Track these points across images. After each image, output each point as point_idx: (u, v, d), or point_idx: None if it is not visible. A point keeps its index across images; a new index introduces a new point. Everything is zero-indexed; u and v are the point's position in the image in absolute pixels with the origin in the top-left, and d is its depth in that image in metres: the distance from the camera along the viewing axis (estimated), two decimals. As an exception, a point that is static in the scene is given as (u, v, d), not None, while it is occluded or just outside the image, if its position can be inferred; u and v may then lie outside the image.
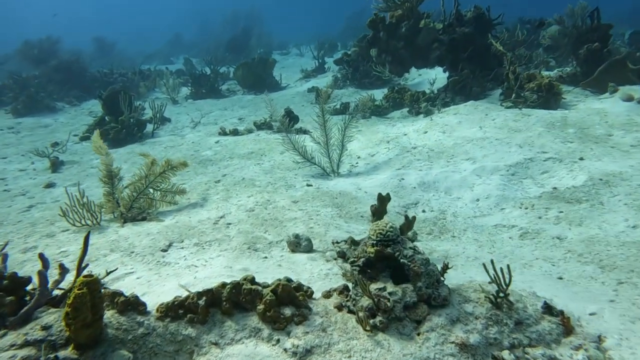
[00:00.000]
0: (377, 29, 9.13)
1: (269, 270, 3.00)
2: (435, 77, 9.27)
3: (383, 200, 3.16)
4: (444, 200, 4.59)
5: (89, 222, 4.21)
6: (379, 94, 11.10)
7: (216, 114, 10.49)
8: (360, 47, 12.84)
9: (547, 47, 11.94)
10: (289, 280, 2.43)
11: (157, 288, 2.74)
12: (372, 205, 3.21)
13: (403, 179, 5.02)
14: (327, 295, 2.55)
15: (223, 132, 8.36)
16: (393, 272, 2.33)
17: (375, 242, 2.31)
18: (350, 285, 2.45)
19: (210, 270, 2.93)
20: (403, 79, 12.12)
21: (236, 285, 2.30)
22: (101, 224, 4.27)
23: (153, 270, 3.05)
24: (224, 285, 2.32)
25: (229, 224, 3.94)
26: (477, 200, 4.46)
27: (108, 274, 2.64)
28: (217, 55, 16.15)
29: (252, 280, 2.36)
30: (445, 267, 2.39)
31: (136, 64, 20.56)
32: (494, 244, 3.64)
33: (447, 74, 9.32)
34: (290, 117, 8.26)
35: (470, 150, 5.70)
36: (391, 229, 2.32)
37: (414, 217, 3.38)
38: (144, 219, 4.24)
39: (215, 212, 4.32)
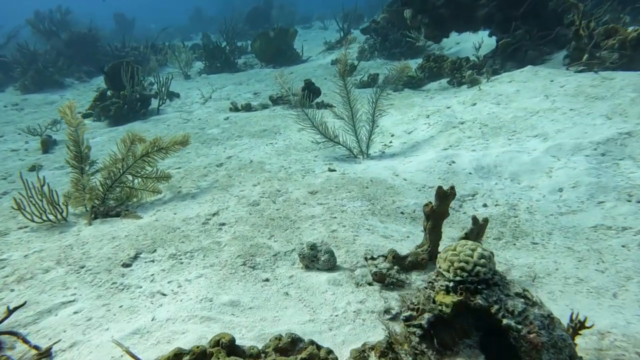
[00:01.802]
0: (413, -15, 7.79)
1: (270, 303, 1.98)
2: (482, 40, 7.90)
3: (445, 196, 2.05)
4: (512, 189, 3.43)
5: (51, 217, 3.30)
6: (412, 64, 9.80)
7: (230, 88, 9.46)
8: (390, 13, 11.46)
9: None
10: (295, 340, 1.39)
11: (95, 335, 1.78)
12: (426, 205, 2.12)
13: (453, 161, 3.86)
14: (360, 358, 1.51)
15: (234, 108, 7.34)
16: (485, 337, 1.25)
17: (453, 284, 1.24)
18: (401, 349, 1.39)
19: (178, 306, 1.95)
20: (438, 47, 10.74)
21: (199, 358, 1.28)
22: (68, 220, 3.36)
23: (102, 298, 2.10)
24: (178, 355, 1.30)
25: (223, 224, 2.92)
26: (560, 190, 3.28)
27: (10, 312, 1.69)
28: (235, 27, 15.05)
29: (231, 347, 1.34)
30: (579, 327, 1.29)
31: (154, 39, 19.72)
32: (601, 256, 2.50)
33: (493, 38, 7.93)
34: (310, 90, 7.15)
35: (538, 124, 4.46)
36: (482, 261, 1.24)
37: (486, 221, 2.27)
38: (117, 215, 3.28)
39: (209, 206, 3.31)
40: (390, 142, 4.99)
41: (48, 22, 12.60)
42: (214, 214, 3.11)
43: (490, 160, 3.82)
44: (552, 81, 5.58)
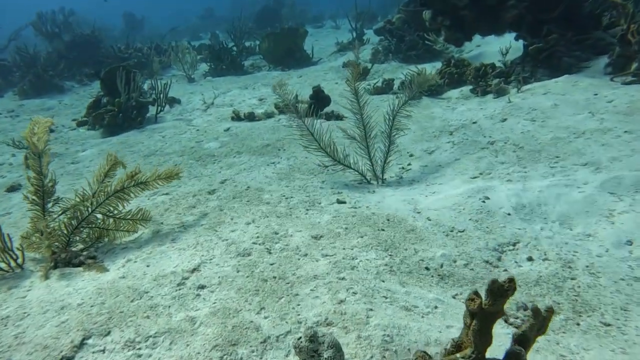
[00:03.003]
0: (433, -16, 7.11)
1: None
2: (510, 45, 7.19)
3: (502, 293, 1.41)
4: (563, 238, 2.77)
5: (2, 266, 2.74)
6: (429, 68, 9.13)
7: (234, 93, 8.89)
8: (407, 13, 10.77)
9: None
10: None
11: None
12: (471, 300, 1.48)
13: (487, 197, 3.21)
14: None
15: (237, 117, 6.76)
16: None
17: None
18: None
19: None
20: (458, 50, 10.03)
21: None
22: (24, 268, 2.80)
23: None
24: None
25: (202, 287, 2.33)
26: (629, 242, 2.62)
27: None
28: (243, 27, 14.47)
29: None
30: None
31: (162, 39, 19.28)
32: None
33: (520, 42, 7.22)
34: (319, 99, 6.54)
35: (586, 148, 3.78)
36: None
37: (551, 311, 1.63)
38: (81, 264, 2.71)
39: (190, 255, 2.72)
40: (409, 164, 4.35)
41: (51, 24, 12.18)
42: (193, 270, 2.52)
43: (532, 197, 3.16)
44: (596, 95, 4.88)
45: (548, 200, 3.10)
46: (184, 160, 5.06)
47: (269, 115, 6.81)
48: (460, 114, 5.56)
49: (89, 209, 2.88)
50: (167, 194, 3.98)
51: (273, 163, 4.64)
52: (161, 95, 7.21)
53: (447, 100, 6.61)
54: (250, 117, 6.67)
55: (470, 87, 6.80)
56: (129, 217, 2.99)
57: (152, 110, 7.44)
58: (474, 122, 5.04)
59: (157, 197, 3.84)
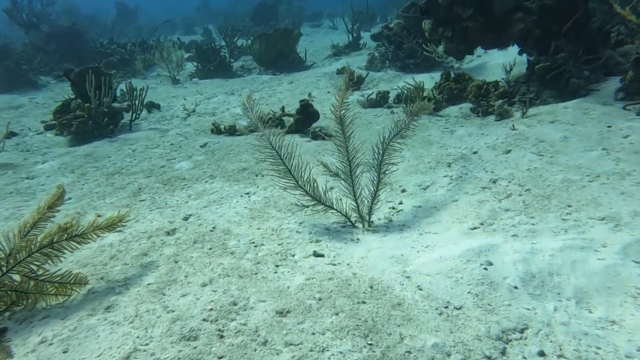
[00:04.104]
0: (435, -8, 6.58)
1: None
2: (514, 62, 6.69)
3: None
4: (581, 325, 2.28)
5: None
6: (427, 79, 8.62)
7: (219, 99, 8.33)
8: (406, 19, 10.25)
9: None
10: None
11: None
12: None
13: (490, 262, 2.71)
14: None
15: (216, 130, 6.21)
16: None
17: None
18: None
19: None
20: (458, 61, 9.54)
21: None
22: None
23: None
24: None
25: (123, 399, 1.81)
26: (663, 342, 2.12)
27: None
28: (236, 24, 13.85)
29: None
30: None
31: (154, 32, 18.60)
32: None
33: (524, 56, 6.73)
34: (307, 114, 6.01)
35: (602, 197, 3.29)
36: None
37: None
38: (-15, 343, 2.17)
39: (123, 335, 2.20)
40: (400, 202, 3.84)
41: (27, 13, 11.48)
42: (120, 364, 2.00)
43: (542, 264, 2.66)
44: (609, 127, 4.39)
45: (562, 270, 2.61)
46: (149, 183, 4.52)
47: (251, 130, 6.27)
48: (460, 139, 5.05)
49: (3, 269, 2.34)
50: (120, 230, 3.44)
51: (247, 194, 4.11)
52: (136, 102, 6.63)
53: (445, 120, 6.11)
54: (231, 130, 6.13)
55: (471, 105, 6.31)
56: (57, 279, 2.45)
57: (130, 115, 6.87)
58: (474, 152, 4.54)
59: (107, 237, 3.30)
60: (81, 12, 14.24)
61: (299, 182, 3.44)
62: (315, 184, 3.46)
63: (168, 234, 3.37)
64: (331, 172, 3.54)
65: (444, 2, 6.48)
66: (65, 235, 2.45)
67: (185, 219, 3.62)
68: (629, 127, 4.28)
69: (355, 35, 12.49)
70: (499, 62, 8.89)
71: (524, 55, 6.72)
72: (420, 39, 9.07)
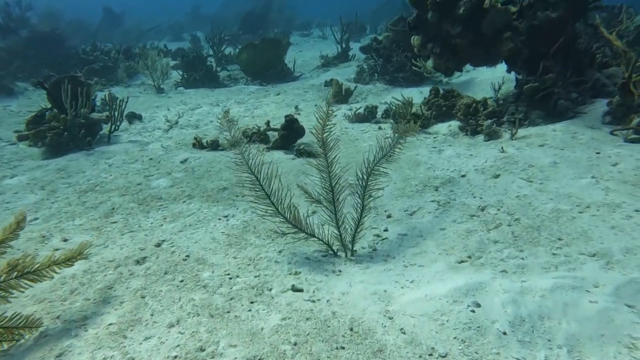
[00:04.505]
0: (424, 8, 6.51)
1: None
2: (502, 81, 6.64)
3: None
4: (573, 377, 2.13)
5: None
6: (416, 94, 8.56)
7: (203, 110, 8.12)
8: (395, 32, 10.21)
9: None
10: None
11: None
12: None
13: (477, 304, 2.56)
14: None
15: (199, 144, 6.00)
16: None
17: None
18: None
19: None
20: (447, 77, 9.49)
21: None
22: None
23: None
24: None
25: None
26: (661, 401, 1.99)
27: None
28: (225, 32, 13.67)
29: None
30: None
31: (140, 38, 18.33)
32: None
33: (512, 74, 6.69)
34: (292, 129, 5.85)
35: (592, 230, 3.18)
36: None
37: None
38: None
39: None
40: (386, 229, 3.68)
41: (4, 17, 11.14)
42: None
43: (533, 306, 2.52)
44: (598, 153, 4.31)
45: (553, 313, 2.47)
46: (124, 203, 4.29)
47: (234, 145, 6.06)
48: (448, 160, 4.93)
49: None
50: (85, 258, 3.21)
51: (226, 217, 3.92)
52: (116, 113, 6.39)
53: (434, 137, 6.01)
54: (214, 145, 5.93)
55: (459, 123, 6.22)
56: (3, 324, 2.22)
57: (109, 127, 6.62)
58: (462, 175, 4.42)
59: (71, 269, 3.06)
60: (65, 17, 13.90)
61: (279, 209, 3.26)
62: (296, 211, 3.29)
63: (138, 262, 3.15)
64: (313, 198, 3.37)
65: (433, 19, 6.41)
66: (16, 273, 2.23)
67: (158, 245, 3.40)
68: (617, 155, 4.21)
69: (344, 46, 12.42)
70: (487, 78, 8.87)
71: (516, 74, 6.68)
72: (409, 53, 9.01)
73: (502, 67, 6.99)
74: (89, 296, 2.75)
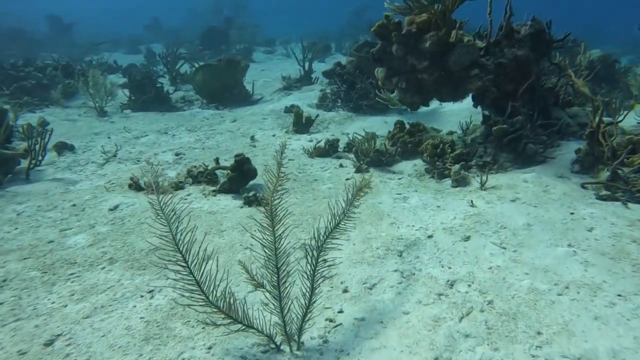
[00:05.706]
0: (388, 40, 6.11)
1: None
2: (470, 121, 6.32)
3: None
4: None
5: None
6: (380, 123, 8.20)
7: (149, 139, 7.36)
8: (359, 58, 9.86)
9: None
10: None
11: None
12: None
13: None
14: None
15: (135, 186, 5.26)
16: None
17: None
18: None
19: None
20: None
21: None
22: None
23: None
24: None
25: None
26: None
27: None
28: (182, 49, 12.91)
29: None
30: None
31: (89, 51, 17.20)
32: None
33: (479, 109, 6.41)
34: (242, 171, 5.23)
35: (573, 320, 2.75)
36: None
37: None
38: None
39: None
40: (341, 310, 3.11)
41: None
42: None
43: None
44: (572, 214, 3.97)
45: None
46: (22, 271, 3.51)
47: (178, 185, 5.38)
48: (414, 212, 4.46)
49: None
50: (-51, 368, 2.44)
51: (151, 292, 3.23)
52: (37, 147, 5.55)
53: (398, 178, 5.57)
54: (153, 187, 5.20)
55: (425, 164, 5.82)
56: None
57: (33, 161, 5.75)
58: (429, 236, 3.94)
59: None
60: (2, 24, 12.61)
61: (210, 298, 2.64)
62: (232, 297, 2.67)
63: (16, 377, 2.42)
64: (255, 281, 2.77)
65: (398, 53, 6.02)
66: None
67: (49, 344, 2.68)
68: (592, 216, 3.87)
69: (307, 69, 11.97)
70: (453, 109, 8.64)
71: (483, 109, 6.40)
72: (374, 80, 8.64)
73: (468, 100, 6.71)
74: None
